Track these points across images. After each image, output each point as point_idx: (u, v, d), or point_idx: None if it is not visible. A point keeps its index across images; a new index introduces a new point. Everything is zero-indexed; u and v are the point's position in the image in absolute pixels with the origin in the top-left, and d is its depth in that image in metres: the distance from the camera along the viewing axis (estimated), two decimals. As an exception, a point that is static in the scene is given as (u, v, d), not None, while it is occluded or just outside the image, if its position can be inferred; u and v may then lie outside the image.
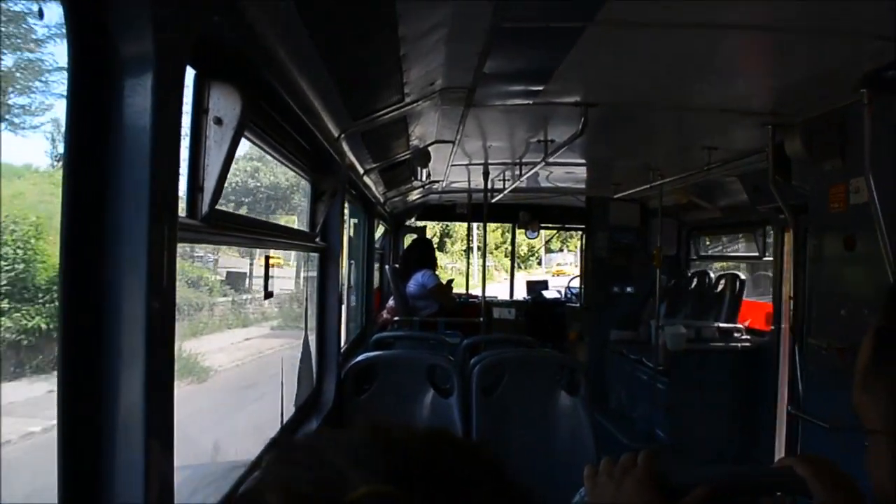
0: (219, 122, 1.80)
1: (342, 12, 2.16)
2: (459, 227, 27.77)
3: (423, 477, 0.52)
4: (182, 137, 1.43)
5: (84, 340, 1.24)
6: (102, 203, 1.25)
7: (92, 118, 1.24)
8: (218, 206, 1.86)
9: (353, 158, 4.11)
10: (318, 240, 3.58)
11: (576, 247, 31.96)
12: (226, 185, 1.84)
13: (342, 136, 3.48)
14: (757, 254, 7.54)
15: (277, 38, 2.04)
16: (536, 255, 35.86)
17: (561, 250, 34.71)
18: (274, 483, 0.52)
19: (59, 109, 1.28)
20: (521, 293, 11.16)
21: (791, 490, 1.22)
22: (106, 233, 1.25)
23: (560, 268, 30.34)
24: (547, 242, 27.79)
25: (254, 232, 2.60)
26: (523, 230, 10.29)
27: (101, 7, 1.22)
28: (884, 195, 3.17)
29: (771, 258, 6.49)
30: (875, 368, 0.84)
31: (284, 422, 3.05)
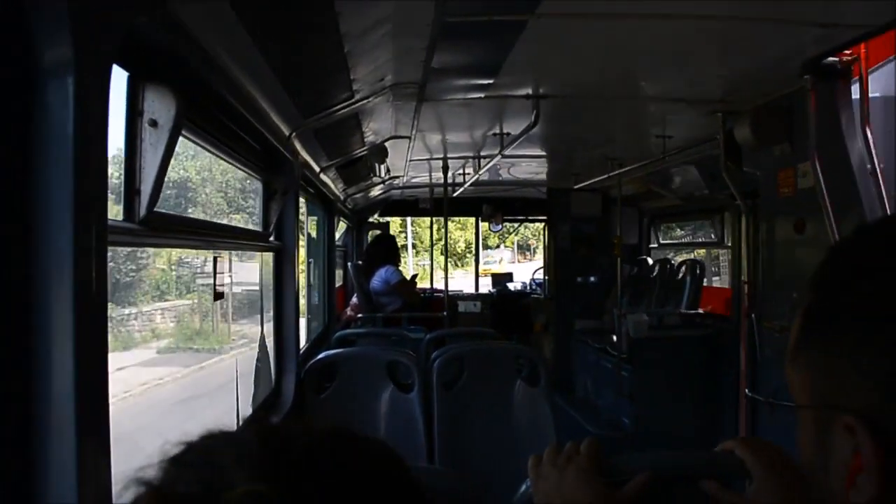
0: (154, 123, 1.78)
1: (279, 9, 2.14)
2: (392, 224, 26.56)
3: (306, 475, 0.52)
4: (116, 140, 1.41)
5: (9, 347, 1.22)
6: (25, 210, 1.23)
7: (10, 122, 1.22)
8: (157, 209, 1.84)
9: (306, 157, 4.08)
10: (272, 239, 3.56)
11: (513, 243, 30.58)
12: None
13: (293, 134, 3.46)
14: (716, 240, 7.64)
15: (213, 37, 2.02)
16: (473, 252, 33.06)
17: (498, 247, 31.27)
18: (152, 486, 0.52)
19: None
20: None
21: (731, 472, 1.24)
22: (30, 239, 1.23)
23: (487, 267, 24.60)
24: (484, 239, 26.40)
25: (200, 233, 2.57)
26: (486, 223, 10.30)
27: (13, 6, 1.19)
28: (830, 178, 3.23)
29: (730, 244, 6.59)
30: (802, 345, 0.86)
31: (240, 422, 3.03)
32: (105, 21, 1.35)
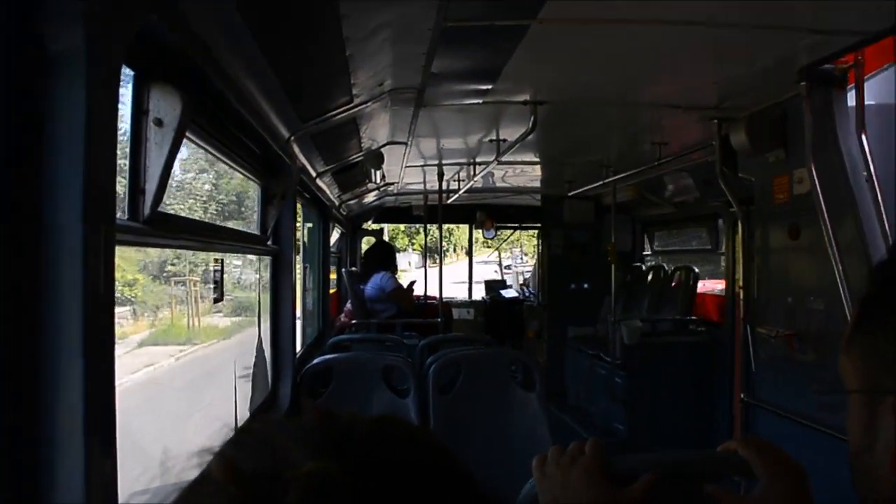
0: (159, 123, 1.78)
1: (284, 12, 2.15)
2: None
3: (366, 458, 0.53)
4: (122, 139, 1.41)
5: (20, 345, 1.21)
6: (34, 206, 1.22)
7: (22, 118, 1.21)
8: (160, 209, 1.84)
9: (304, 161, 4.09)
10: (269, 243, 3.55)
11: (420, 245, 30.11)
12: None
13: (292, 138, 3.46)
14: (710, 247, 7.66)
15: (219, 38, 2.02)
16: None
17: (405, 250, 30.39)
18: (220, 461, 0.53)
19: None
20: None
21: (735, 472, 1.25)
22: (39, 236, 1.23)
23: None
24: (391, 239, 25.63)
25: (201, 234, 2.57)
26: (480, 230, 10.31)
27: (27, 1, 1.19)
28: (825, 184, 3.25)
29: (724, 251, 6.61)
30: (855, 333, 0.89)
31: (238, 426, 3.02)
32: (116, 15, 1.35)
